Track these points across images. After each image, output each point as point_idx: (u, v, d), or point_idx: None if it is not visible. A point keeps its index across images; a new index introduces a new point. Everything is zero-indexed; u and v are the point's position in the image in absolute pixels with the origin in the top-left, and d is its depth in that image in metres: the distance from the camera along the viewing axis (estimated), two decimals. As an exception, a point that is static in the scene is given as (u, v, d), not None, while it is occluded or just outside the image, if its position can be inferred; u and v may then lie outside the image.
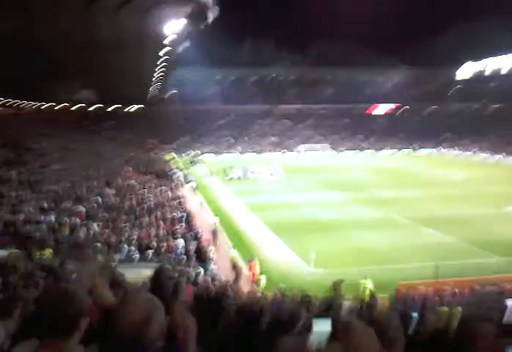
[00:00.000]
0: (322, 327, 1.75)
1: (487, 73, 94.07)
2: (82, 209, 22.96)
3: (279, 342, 1.89)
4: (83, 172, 35.53)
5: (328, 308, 8.33)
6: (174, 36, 27.07)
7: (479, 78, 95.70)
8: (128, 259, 18.90)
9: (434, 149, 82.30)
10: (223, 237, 26.57)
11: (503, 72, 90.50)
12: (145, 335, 1.75)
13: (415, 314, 9.73)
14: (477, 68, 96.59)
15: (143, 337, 1.75)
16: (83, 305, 2.01)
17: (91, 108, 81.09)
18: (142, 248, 19.75)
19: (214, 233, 25.73)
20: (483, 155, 72.60)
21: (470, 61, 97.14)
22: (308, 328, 1.85)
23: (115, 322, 1.80)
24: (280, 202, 35.84)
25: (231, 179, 48.22)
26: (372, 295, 16.68)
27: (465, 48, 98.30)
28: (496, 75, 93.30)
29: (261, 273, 19.76)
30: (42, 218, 20.17)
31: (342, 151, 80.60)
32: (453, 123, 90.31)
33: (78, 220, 20.71)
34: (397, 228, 28.09)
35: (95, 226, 20.52)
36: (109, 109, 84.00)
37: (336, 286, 4.93)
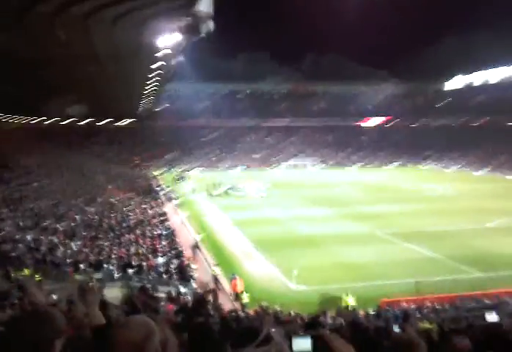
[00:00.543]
0: (302, 346, 1.73)
1: (474, 87, 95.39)
2: (61, 227, 22.67)
3: None
4: (65, 190, 35.18)
5: (312, 325, 8.25)
6: (170, 49, 27.07)
7: (467, 91, 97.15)
8: (108, 278, 18.64)
9: (418, 165, 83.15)
10: (206, 255, 26.37)
11: (490, 85, 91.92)
12: None
13: (397, 329, 9.74)
14: (465, 82, 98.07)
15: None
16: (59, 326, 1.98)
17: (81, 123, 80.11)
18: (122, 267, 19.51)
19: (195, 250, 25.54)
20: (467, 170, 73.54)
21: (458, 75, 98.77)
22: (268, 340, 1.82)
23: (111, 343, 1.79)
24: (264, 218, 35.81)
25: (218, 195, 48.02)
26: (353, 311, 16.67)
27: (453, 62, 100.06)
28: (483, 88, 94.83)
29: (244, 291, 19.58)
30: (20, 236, 19.85)
31: (330, 165, 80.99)
32: (440, 137, 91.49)
33: (56, 239, 20.43)
34: (380, 244, 28.11)
35: (74, 245, 20.25)
36: (99, 124, 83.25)
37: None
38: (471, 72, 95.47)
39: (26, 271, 17.27)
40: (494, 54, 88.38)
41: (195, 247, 25.88)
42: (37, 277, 17.12)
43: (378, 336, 6.68)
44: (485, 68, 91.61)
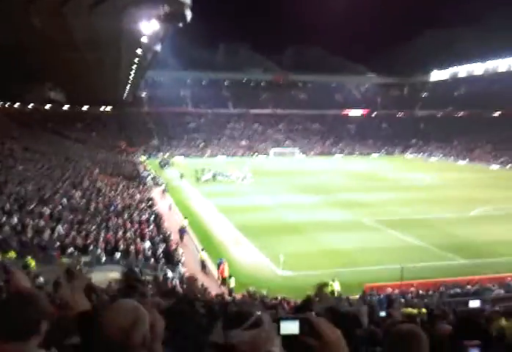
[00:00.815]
0: (289, 329, 1.74)
1: (459, 78, 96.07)
2: (48, 210, 22.47)
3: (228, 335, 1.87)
4: (50, 174, 34.80)
5: (301, 308, 8.32)
6: (150, 36, 26.75)
7: (446, 85, 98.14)
8: (95, 262, 18.60)
9: (402, 154, 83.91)
10: (193, 240, 26.42)
11: (469, 79, 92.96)
12: (130, 340, 1.75)
13: (383, 313, 9.90)
14: (444, 76, 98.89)
15: (128, 342, 1.74)
16: (43, 308, 1.98)
17: (61, 109, 79.02)
18: (109, 251, 19.47)
19: (181, 233, 25.56)
20: (449, 160, 74.46)
21: (438, 70, 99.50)
22: (257, 324, 1.84)
23: (98, 327, 1.79)
24: (250, 205, 35.88)
25: (205, 181, 47.97)
26: (339, 297, 16.86)
27: (434, 56, 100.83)
28: (462, 82, 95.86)
29: (230, 276, 19.70)
30: (6, 219, 19.63)
31: (313, 155, 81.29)
32: (420, 129, 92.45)
33: (42, 222, 20.26)
34: (366, 231, 28.39)
35: (60, 229, 20.10)
36: (80, 110, 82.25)
37: (320, 288, 4.89)
38: (454, 66, 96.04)
39: (12, 254, 17.14)
40: (477, 48, 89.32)
41: (182, 232, 25.88)
42: (29, 260, 17.06)
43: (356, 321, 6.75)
44: (469, 62, 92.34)
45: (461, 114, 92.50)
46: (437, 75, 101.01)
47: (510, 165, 65.94)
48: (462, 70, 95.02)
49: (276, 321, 1.76)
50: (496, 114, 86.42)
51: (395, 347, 2.06)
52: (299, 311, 5.50)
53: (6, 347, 1.83)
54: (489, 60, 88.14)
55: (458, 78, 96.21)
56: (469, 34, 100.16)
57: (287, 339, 1.71)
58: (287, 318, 1.74)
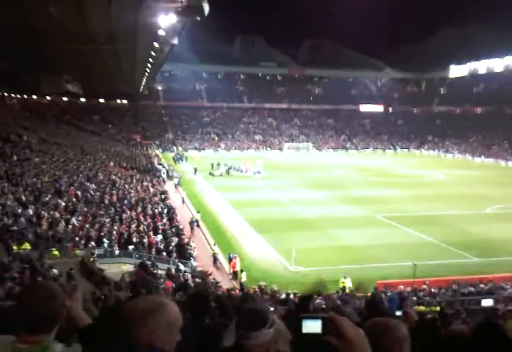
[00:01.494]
0: (311, 328, 1.73)
1: (478, 74, 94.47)
2: (62, 203, 22.73)
3: (246, 335, 1.88)
4: (66, 166, 35.15)
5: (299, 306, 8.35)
6: (168, 29, 26.77)
7: (464, 81, 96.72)
8: (108, 254, 18.82)
9: (417, 150, 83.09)
10: (205, 234, 26.53)
11: (488, 76, 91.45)
12: (140, 328, 1.75)
13: (399, 313, 9.88)
14: (461, 72, 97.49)
15: (136, 329, 1.75)
16: (63, 301, 2.04)
17: (78, 102, 79.56)
18: (123, 244, 19.66)
19: (192, 226, 25.69)
20: (465, 157, 73.64)
21: (456, 65, 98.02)
22: (270, 324, 1.85)
23: (120, 316, 1.81)
24: (263, 200, 35.85)
25: (219, 175, 48.07)
26: (352, 294, 16.85)
27: (452, 52, 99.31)
28: (481, 78, 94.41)
29: (242, 270, 19.76)
30: (21, 211, 19.91)
31: (326, 150, 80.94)
32: (437, 125, 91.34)
33: (57, 214, 20.50)
34: (377, 227, 28.25)
35: (75, 221, 20.33)
36: (97, 102, 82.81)
37: (321, 286, 4.83)
38: (473, 61, 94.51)
39: (27, 245, 17.41)
40: (491, 46, 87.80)
41: (192, 224, 26.01)
42: (54, 250, 17.38)
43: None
44: (487, 58, 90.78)
45: (478, 110, 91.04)
46: (455, 71, 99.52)
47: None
48: (481, 66, 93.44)
49: (298, 319, 1.76)
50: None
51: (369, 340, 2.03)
52: (298, 309, 5.45)
53: (32, 338, 1.90)
54: (508, 56, 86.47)
55: (476, 74, 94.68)
56: (488, 31, 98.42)
57: (308, 338, 1.71)
58: (309, 317, 1.74)
